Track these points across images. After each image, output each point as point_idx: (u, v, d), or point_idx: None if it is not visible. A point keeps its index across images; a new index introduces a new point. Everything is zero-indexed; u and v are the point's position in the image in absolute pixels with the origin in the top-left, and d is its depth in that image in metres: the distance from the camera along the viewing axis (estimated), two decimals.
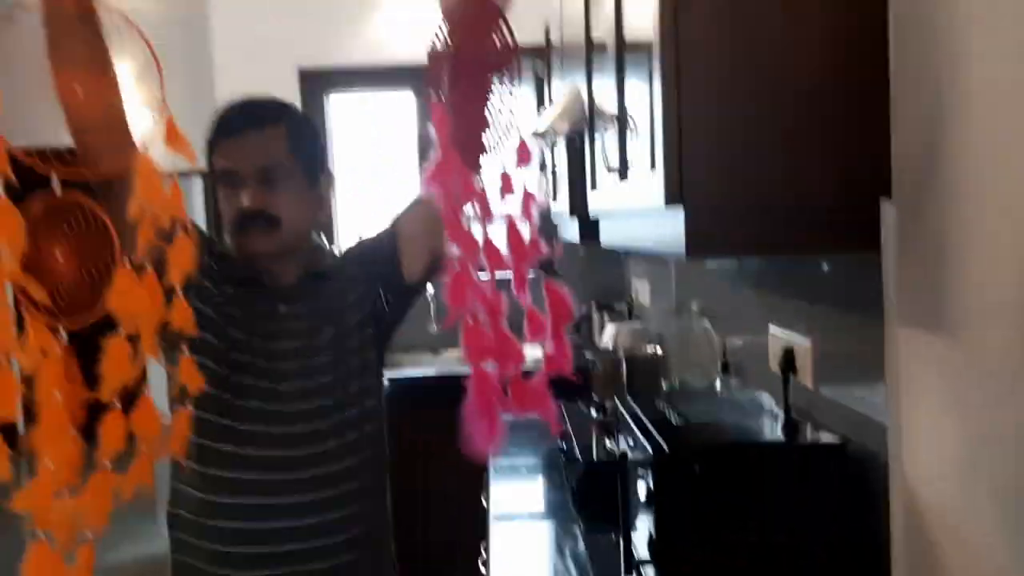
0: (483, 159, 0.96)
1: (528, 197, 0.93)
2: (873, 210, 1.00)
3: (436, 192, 0.90)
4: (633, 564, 1.23)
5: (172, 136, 0.76)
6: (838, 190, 0.99)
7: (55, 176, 0.78)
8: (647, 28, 1.16)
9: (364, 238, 1.55)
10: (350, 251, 1.54)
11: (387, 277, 1.45)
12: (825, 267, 1.32)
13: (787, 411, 1.29)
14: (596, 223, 2.06)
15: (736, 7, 1.02)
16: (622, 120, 1.41)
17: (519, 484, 2.14)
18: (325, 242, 1.64)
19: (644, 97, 1.17)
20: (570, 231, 2.74)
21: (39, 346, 0.74)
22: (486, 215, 0.92)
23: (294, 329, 1.39)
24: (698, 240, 1.02)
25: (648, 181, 1.14)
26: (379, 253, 1.46)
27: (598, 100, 1.80)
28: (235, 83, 3.84)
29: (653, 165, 1.10)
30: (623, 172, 1.39)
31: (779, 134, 1.01)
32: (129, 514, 0.88)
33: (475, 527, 2.33)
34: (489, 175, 0.96)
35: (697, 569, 1.14)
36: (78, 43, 0.97)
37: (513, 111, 0.97)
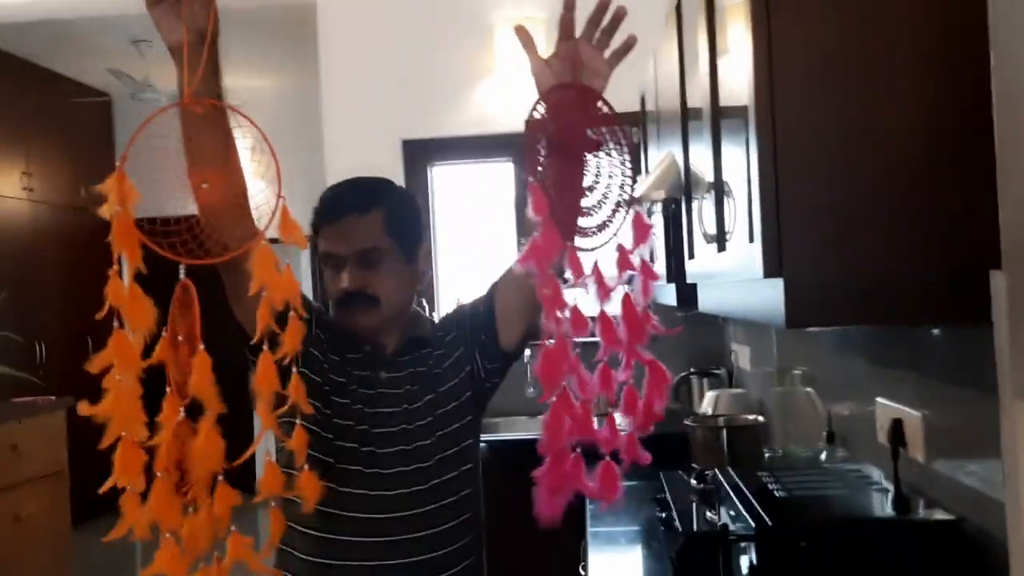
0: (590, 237, 0.97)
1: (647, 272, 0.93)
2: (982, 281, 0.98)
3: (534, 268, 0.92)
4: None
5: (286, 224, 0.81)
6: (943, 261, 0.97)
7: (182, 265, 0.84)
8: (742, 95, 1.18)
9: (462, 304, 1.59)
10: (448, 317, 1.59)
11: (484, 343, 1.48)
12: (935, 331, 1.28)
13: (897, 485, 1.24)
14: (694, 287, 2.05)
15: (833, 75, 1.02)
16: (719, 189, 1.42)
17: (617, 553, 2.11)
18: (424, 310, 1.69)
19: (741, 165, 1.18)
20: (667, 297, 2.73)
21: (170, 424, 0.79)
22: (602, 292, 0.93)
23: (394, 395, 1.44)
24: (798, 311, 1.01)
25: (747, 251, 1.14)
26: (476, 319, 1.50)
27: (695, 167, 1.81)
28: (343, 156, 4.06)
29: (752, 238, 1.10)
30: (721, 242, 1.39)
31: (880, 204, 1.00)
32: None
33: None
34: (604, 251, 0.97)
35: None
36: (209, 138, 1.04)
37: (626, 187, 0.99)
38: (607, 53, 1.05)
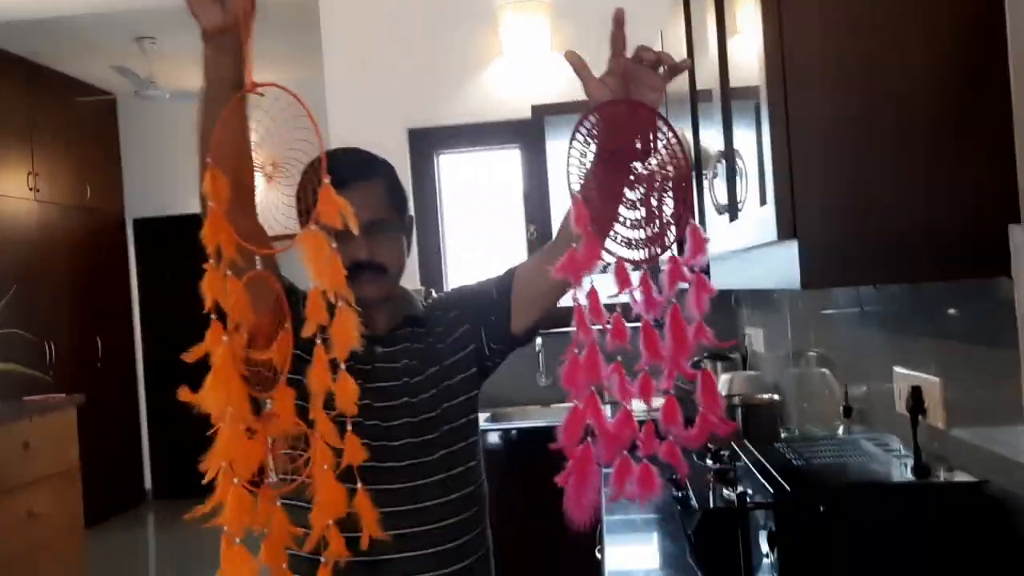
0: (638, 250, 0.95)
1: (701, 286, 0.91)
2: (1000, 235, 0.96)
3: (571, 279, 0.90)
4: None
5: (327, 203, 0.78)
6: (960, 217, 0.96)
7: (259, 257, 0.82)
8: (755, 59, 1.16)
9: (464, 284, 1.62)
10: (447, 296, 1.62)
11: (492, 324, 1.50)
12: (951, 295, 1.27)
13: (917, 451, 1.23)
14: (705, 269, 2.04)
15: (846, 34, 1.01)
16: (730, 161, 1.40)
17: (634, 535, 2.10)
18: (431, 293, 1.70)
19: (752, 136, 1.17)
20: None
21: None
22: (648, 303, 0.91)
23: (392, 369, 1.44)
24: (813, 271, 1.00)
25: (760, 218, 1.13)
26: (486, 300, 1.51)
27: (704, 145, 1.80)
28: (348, 144, 4.04)
29: (764, 202, 1.09)
30: (733, 212, 1.38)
31: (894, 162, 1.00)
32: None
33: None
34: (654, 261, 0.95)
35: None
36: (239, 127, 1.03)
37: (680, 201, 0.96)
38: (661, 70, 1.05)
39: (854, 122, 1.01)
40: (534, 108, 3.83)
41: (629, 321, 0.93)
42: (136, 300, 7.11)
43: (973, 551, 1.09)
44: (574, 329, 0.91)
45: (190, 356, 0.74)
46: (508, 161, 4.03)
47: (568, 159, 0.95)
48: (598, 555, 2.23)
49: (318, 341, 0.77)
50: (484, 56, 3.89)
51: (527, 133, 3.90)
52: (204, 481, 0.74)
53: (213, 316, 0.75)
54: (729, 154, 1.41)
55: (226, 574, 0.72)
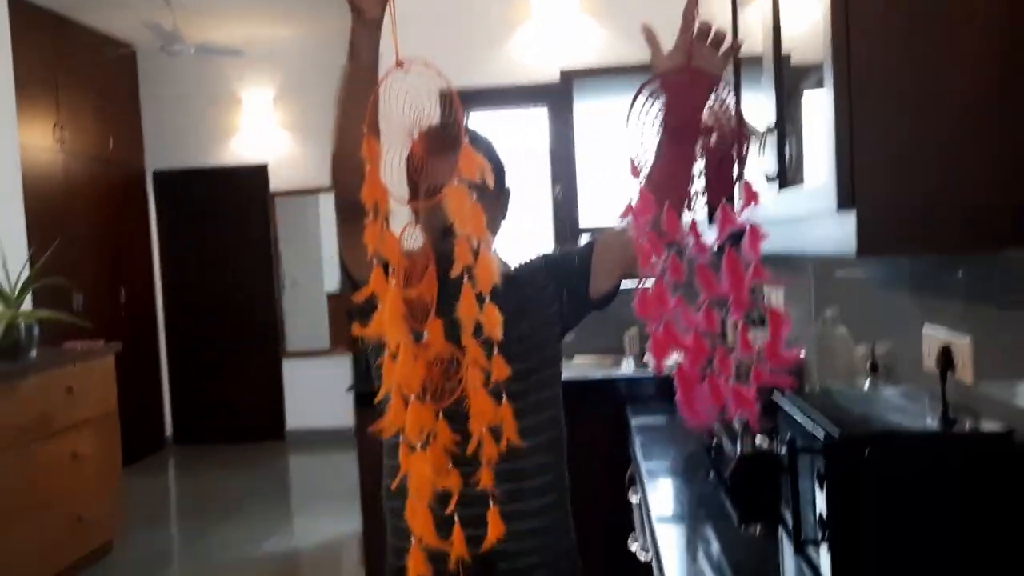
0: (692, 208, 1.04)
1: (754, 232, 0.98)
2: None
3: (632, 224, 0.99)
4: (803, 546, 1.31)
5: (468, 159, 0.88)
6: (1010, 188, 1.03)
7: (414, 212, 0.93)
8: (805, 37, 1.23)
9: (549, 251, 1.77)
10: (534, 262, 1.74)
11: (574, 287, 1.64)
12: (984, 256, 1.35)
13: (944, 403, 1.34)
14: (741, 234, 2.12)
15: (907, 5, 1.05)
16: (781, 130, 1.49)
17: (666, 480, 2.23)
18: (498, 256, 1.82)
19: (810, 102, 1.24)
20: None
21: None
22: (698, 247, 0.99)
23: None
24: (869, 240, 1.07)
25: (816, 185, 1.22)
26: (569, 266, 1.66)
27: (748, 113, 1.88)
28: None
29: (819, 172, 1.18)
30: (783, 180, 1.47)
31: (948, 135, 1.05)
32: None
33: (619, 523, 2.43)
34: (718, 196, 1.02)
35: (873, 549, 1.21)
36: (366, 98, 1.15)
37: (743, 158, 1.05)
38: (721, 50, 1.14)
39: (916, 91, 1.05)
40: (563, 73, 3.90)
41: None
42: (156, 250, 7.22)
43: (1004, 496, 1.20)
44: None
45: (359, 296, 0.86)
46: (534, 120, 4.10)
47: (634, 127, 1.04)
48: (631, 498, 2.36)
49: (466, 279, 0.87)
50: (513, 19, 3.95)
51: (555, 95, 3.97)
52: (376, 400, 0.87)
53: (376, 263, 0.86)
54: (780, 122, 1.49)
55: (409, 474, 0.84)
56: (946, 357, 1.42)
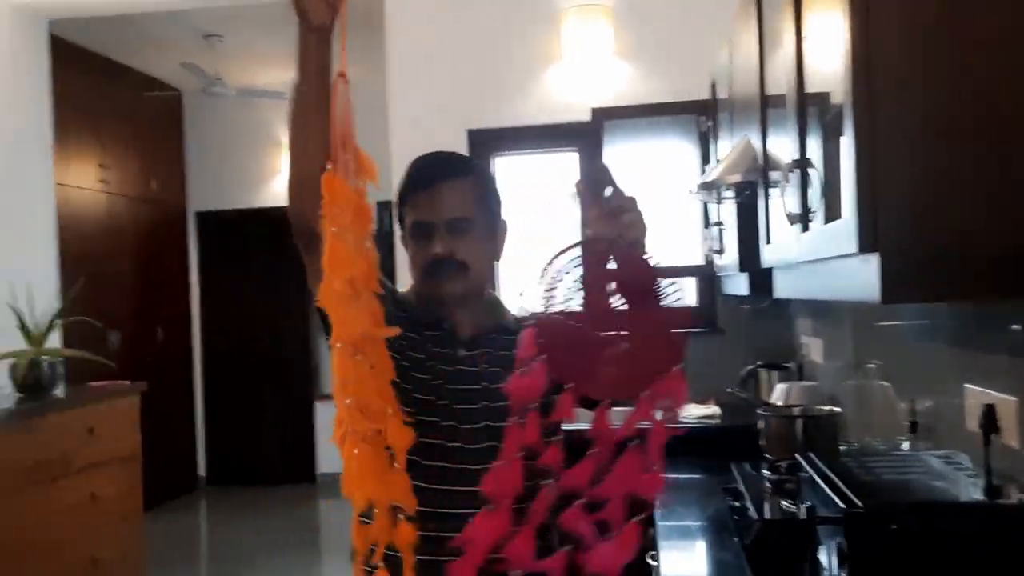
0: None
1: (658, 432, 0.97)
2: None
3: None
4: None
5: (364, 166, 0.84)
6: None
7: None
8: (829, 77, 1.15)
9: None
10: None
11: None
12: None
13: (988, 470, 1.21)
14: (767, 277, 2.02)
15: (931, 46, 1.00)
16: (804, 170, 1.39)
17: (687, 542, 2.09)
18: (500, 298, 1.71)
19: (830, 144, 1.16)
20: (739, 286, 2.69)
21: None
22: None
23: (474, 372, 1.45)
24: (894, 286, 0.99)
25: (836, 228, 1.12)
26: None
27: (773, 152, 1.78)
28: (408, 146, 4.06)
29: (841, 213, 1.08)
30: (805, 222, 1.37)
31: (976, 178, 0.98)
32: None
33: None
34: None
35: None
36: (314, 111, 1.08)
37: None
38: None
39: (940, 132, 0.99)
40: (594, 111, 3.83)
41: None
42: (195, 292, 7.26)
43: None
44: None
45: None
46: (565, 164, 4.03)
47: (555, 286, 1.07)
48: (649, 560, 2.22)
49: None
50: (545, 59, 3.90)
51: (585, 136, 3.90)
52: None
53: None
54: (803, 162, 1.40)
55: None
56: (990, 418, 1.29)
